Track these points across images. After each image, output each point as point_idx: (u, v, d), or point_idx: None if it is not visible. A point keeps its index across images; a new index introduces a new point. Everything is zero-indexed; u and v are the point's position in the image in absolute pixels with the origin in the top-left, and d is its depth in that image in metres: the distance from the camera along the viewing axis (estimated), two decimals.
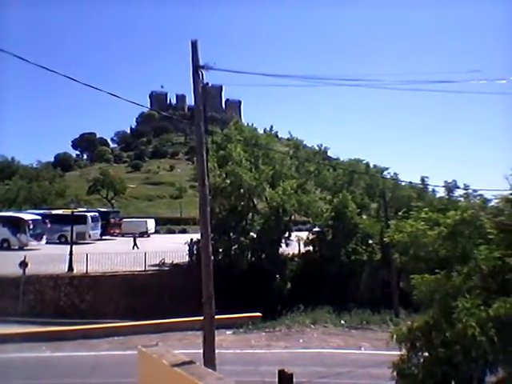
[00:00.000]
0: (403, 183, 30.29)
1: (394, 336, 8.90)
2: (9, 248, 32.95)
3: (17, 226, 34.37)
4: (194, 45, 9.55)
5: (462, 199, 12.77)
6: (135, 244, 35.24)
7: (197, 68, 9.54)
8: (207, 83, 10.12)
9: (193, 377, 4.31)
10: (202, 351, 9.01)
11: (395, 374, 8.57)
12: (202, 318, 9.27)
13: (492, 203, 10.19)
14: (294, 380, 7.50)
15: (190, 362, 4.93)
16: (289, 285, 26.29)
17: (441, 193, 28.77)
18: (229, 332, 17.94)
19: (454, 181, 25.17)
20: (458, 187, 23.10)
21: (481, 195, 11.13)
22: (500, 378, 7.99)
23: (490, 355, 7.33)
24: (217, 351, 9.22)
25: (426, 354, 8.47)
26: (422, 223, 9.02)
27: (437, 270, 8.57)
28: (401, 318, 20.01)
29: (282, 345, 16.85)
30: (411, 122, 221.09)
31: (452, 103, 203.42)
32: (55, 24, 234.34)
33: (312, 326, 19.17)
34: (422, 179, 29.21)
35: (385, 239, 11.90)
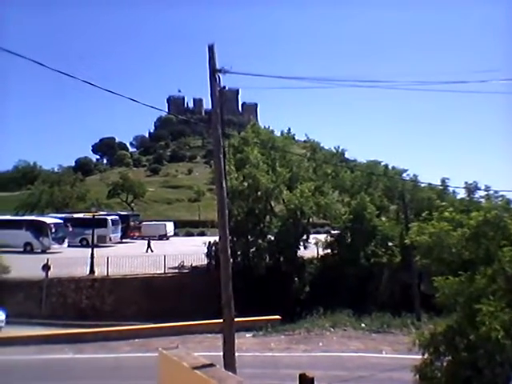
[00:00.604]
0: (423, 185, 29.86)
1: (417, 341, 8.77)
2: (32, 251, 33.65)
3: (39, 229, 35.09)
4: (211, 49, 9.63)
5: (483, 200, 12.55)
6: (149, 247, 35.41)
7: (214, 72, 9.60)
8: (224, 87, 10.17)
9: (213, 379, 4.33)
10: (221, 354, 9.03)
11: (417, 377, 8.43)
12: (221, 320, 9.29)
13: None
14: None
15: (211, 365, 4.95)
16: (307, 288, 26.13)
17: (461, 194, 28.30)
18: (248, 335, 17.92)
19: (474, 182, 24.73)
20: (479, 188, 22.70)
21: (502, 196, 10.92)
22: None
23: None
24: (237, 354, 9.22)
25: (449, 357, 8.31)
26: (446, 224, 8.86)
27: (460, 272, 8.40)
28: (422, 321, 19.69)
29: (302, 348, 16.74)
30: (430, 124, 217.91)
31: (472, 103, 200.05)
32: (74, 29, 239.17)
33: (332, 329, 19.01)
34: (443, 180, 28.76)
35: (406, 241, 11.74)
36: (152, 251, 33.79)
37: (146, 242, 36.76)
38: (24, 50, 7.34)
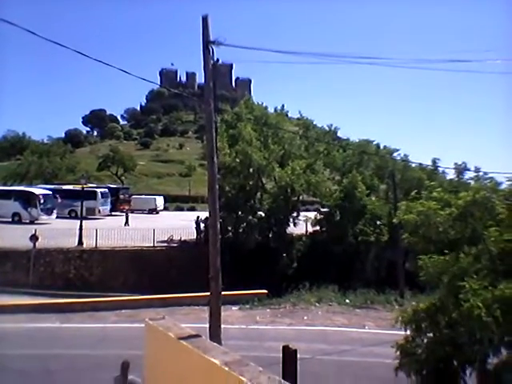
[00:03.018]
0: (413, 165, 30.01)
1: (400, 317, 8.93)
2: (20, 221, 33.45)
3: (28, 200, 34.79)
4: (205, 20, 9.41)
5: (472, 182, 12.64)
6: (127, 221, 35.25)
7: (207, 43, 9.41)
8: (217, 59, 9.98)
9: (198, 350, 4.37)
10: (207, 326, 9.14)
11: (399, 353, 8.63)
12: (208, 293, 9.38)
13: (503, 186, 10.06)
14: (298, 356, 7.60)
15: (196, 336, 5.00)
16: (295, 264, 26.48)
17: (451, 175, 28.51)
18: (234, 308, 18.14)
19: (464, 163, 24.87)
20: (469, 169, 22.82)
21: (492, 178, 10.99)
22: (503, 359, 8.02)
23: (495, 336, 7.33)
24: (222, 326, 9.35)
25: (431, 335, 8.50)
26: (434, 203, 8.93)
27: (445, 252, 8.52)
28: (405, 298, 20.08)
29: (287, 321, 17.01)
30: (423, 103, 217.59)
31: (464, 83, 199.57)
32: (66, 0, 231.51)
33: (317, 304, 19.31)
34: (434, 161, 28.94)
35: (394, 220, 11.84)
36: (128, 225, 33.61)
37: (125, 215, 36.79)
38: (14, 17, 7.10)
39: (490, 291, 7.50)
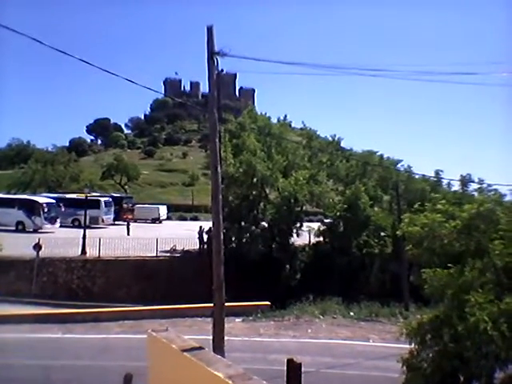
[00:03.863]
0: (417, 176, 29.98)
1: (404, 330, 8.86)
2: (23, 230, 33.50)
3: (31, 208, 34.90)
4: (210, 30, 9.50)
5: (476, 193, 12.61)
6: (128, 230, 35.14)
7: (212, 54, 9.49)
8: (222, 70, 10.06)
9: (202, 362, 4.33)
10: (211, 338, 9.08)
11: (405, 368, 8.53)
12: (212, 304, 9.33)
13: (507, 198, 10.03)
14: (303, 369, 7.51)
15: (200, 348, 4.96)
16: (299, 275, 26.36)
17: (455, 187, 28.46)
18: (238, 320, 18.03)
19: (468, 175, 24.84)
20: (473, 181, 22.79)
21: (496, 190, 10.96)
22: (509, 374, 7.91)
23: (501, 351, 7.25)
24: (226, 338, 9.29)
25: (436, 348, 8.41)
26: (438, 215, 8.89)
27: (449, 265, 8.46)
28: (410, 311, 19.93)
29: (291, 334, 16.89)
30: (427, 115, 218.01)
31: (469, 95, 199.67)
32: (70, 8, 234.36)
33: (321, 316, 19.18)
34: (437, 172, 28.88)
35: (397, 232, 11.79)
36: (129, 234, 33.53)
37: (126, 224, 36.50)
38: (18, 25, 7.16)
39: (496, 305, 7.43)
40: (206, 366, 4.23)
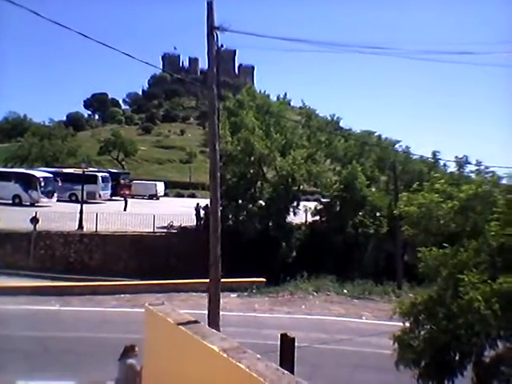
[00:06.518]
0: (414, 157, 29.94)
1: (397, 309, 8.97)
2: (20, 204, 33.44)
3: (28, 182, 34.78)
4: (210, 5, 9.34)
5: (473, 175, 12.59)
6: (126, 206, 35.00)
7: (212, 29, 9.33)
8: (221, 45, 9.91)
9: (197, 336, 4.39)
10: (206, 312, 9.21)
11: (396, 345, 8.68)
12: (207, 280, 9.42)
13: (503, 181, 10.03)
14: (296, 344, 7.66)
15: (195, 322, 5.02)
16: (294, 253, 26.57)
17: (452, 168, 28.42)
18: (233, 295, 18.25)
19: (465, 156, 24.73)
20: (470, 163, 22.71)
21: (493, 172, 10.94)
22: (499, 352, 8.08)
23: (493, 329, 7.38)
24: (221, 313, 9.42)
25: (429, 326, 8.55)
26: (436, 195, 8.91)
27: (445, 245, 8.53)
28: (403, 290, 20.21)
29: (285, 310, 17.14)
30: (427, 95, 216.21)
31: (467, 76, 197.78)
32: None
33: (315, 293, 19.44)
34: (434, 153, 28.82)
35: (394, 212, 11.84)
36: (126, 210, 33.41)
37: (125, 199, 36.52)
38: None
39: (489, 285, 7.53)
40: (201, 339, 4.29)
